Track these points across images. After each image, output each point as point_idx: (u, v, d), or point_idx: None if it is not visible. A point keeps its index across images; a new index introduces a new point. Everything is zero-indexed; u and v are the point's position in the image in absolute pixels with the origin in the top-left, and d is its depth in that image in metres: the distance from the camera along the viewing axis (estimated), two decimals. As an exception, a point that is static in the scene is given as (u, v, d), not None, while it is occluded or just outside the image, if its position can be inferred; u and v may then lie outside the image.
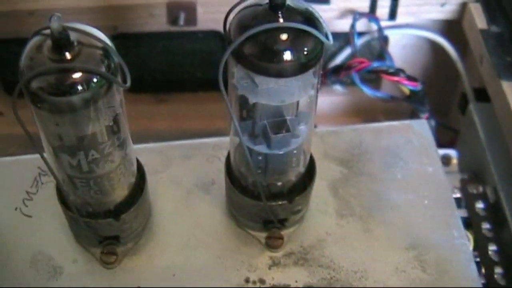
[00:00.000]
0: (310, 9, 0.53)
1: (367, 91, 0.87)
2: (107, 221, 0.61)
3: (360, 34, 0.92)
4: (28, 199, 0.68)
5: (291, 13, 0.52)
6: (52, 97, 0.50)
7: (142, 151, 0.65)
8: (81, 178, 0.57)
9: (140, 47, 0.97)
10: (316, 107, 0.59)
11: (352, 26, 0.89)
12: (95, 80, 0.50)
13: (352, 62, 0.84)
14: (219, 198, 0.68)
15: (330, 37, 0.53)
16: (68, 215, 0.61)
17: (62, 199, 0.61)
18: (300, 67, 0.52)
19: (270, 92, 0.54)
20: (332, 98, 1.02)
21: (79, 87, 0.50)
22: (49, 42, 0.50)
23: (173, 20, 0.90)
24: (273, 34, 0.51)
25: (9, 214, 0.67)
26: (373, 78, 0.98)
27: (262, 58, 0.52)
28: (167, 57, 0.99)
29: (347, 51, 0.95)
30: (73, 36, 0.50)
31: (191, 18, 0.90)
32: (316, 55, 0.52)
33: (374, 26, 0.92)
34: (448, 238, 0.66)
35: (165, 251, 0.65)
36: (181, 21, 0.89)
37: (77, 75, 0.50)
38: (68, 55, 0.50)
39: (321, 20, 0.53)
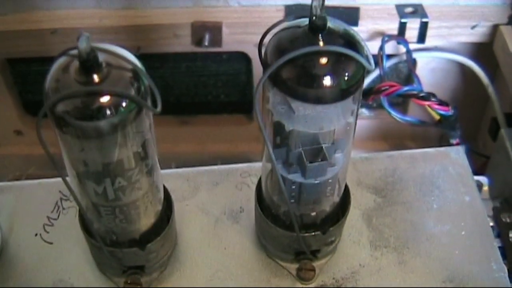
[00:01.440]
0: (352, 31, 0.49)
1: (396, 115, 0.83)
2: (132, 251, 0.57)
3: (388, 56, 0.89)
4: (48, 225, 0.64)
5: (332, 36, 0.48)
6: (79, 121, 0.46)
7: (168, 177, 0.62)
8: (106, 206, 0.53)
9: (163, 68, 0.94)
10: (354, 134, 0.55)
11: (381, 48, 0.85)
12: (124, 104, 0.47)
13: (381, 86, 0.80)
14: (249, 226, 0.64)
15: (372, 61, 0.49)
16: (91, 243, 0.57)
17: (85, 227, 0.57)
18: (341, 93, 0.48)
19: (307, 119, 0.50)
20: (358, 122, 0.98)
21: (107, 112, 0.46)
22: (76, 63, 0.46)
23: (198, 41, 0.86)
24: (313, 58, 0.48)
25: (29, 240, 0.64)
26: (400, 102, 0.94)
27: (301, 83, 0.48)
28: (190, 78, 0.95)
29: (374, 74, 0.91)
30: (101, 57, 0.47)
31: (216, 39, 0.86)
32: (357, 81, 0.49)
33: (402, 49, 0.88)
34: (487, 271, 0.63)
35: (192, 282, 0.61)
36: (206, 42, 0.86)
37: (105, 99, 0.46)
38: (96, 78, 0.46)
39: (362, 44, 0.49)
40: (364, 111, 0.97)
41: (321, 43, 0.47)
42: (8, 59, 0.91)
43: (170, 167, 0.72)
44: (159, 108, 0.48)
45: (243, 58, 0.91)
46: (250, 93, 0.96)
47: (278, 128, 0.52)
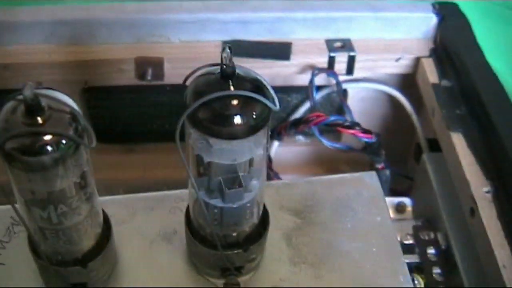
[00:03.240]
0: (259, 77, 0.61)
1: (326, 142, 0.94)
2: (75, 269, 0.67)
3: (321, 87, 1.00)
4: (1, 248, 0.74)
5: (241, 81, 0.60)
6: (25, 157, 0.57)
7: (109, 203, 0.72)
8: (50, 229, 0.64)
9: (109, 100, 1.05)
10: (266, 164, 0.67)
11: (311, 81, 0.96)
12: (64, 141, 0.58)
13: (309, 116, 0.92)
14: (181, 247, 0.74)
15: (277, 102, 0.61)
16: (39, 263, 0.68)
17: (34, 249, 0.67)
18: (250, 130, 0.60)
19: (223, 152, 0.62)
20: (295, 148, 1.10)
21: (50, 148, 0.57)
22: (22, 107, 0.57)
23: (141, 75, 0.97)
24: (225, 101, 0.59)
25: (-18, 262, 0.73)
26: (333, 130, 1.06)
27: (215, 123, 0.59)
28: (135, 109, 1.06)
29: (308, 104, 1.03)
30: (44, 101, 0.58)
31: (159, 73, 0.97)
32: (263, 119, 0.60)
33: (333, 80, 1.00)
34: (395, 283, 0.73)
35: (130, 297, 0.72)
36: (149, 76, 0.97)
37: (48, 137, 0.57)
38: (39, 120, 0.57)
39: (268, 87, 0.61)
40: (301, 138, 1.09)
41: (231, 88, 0.59)
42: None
43: (118, 193, 0.83)
44: (93, 144, 0.60)
45: (185, 89, 1.02)
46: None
47: (199, 160, 0.64)
